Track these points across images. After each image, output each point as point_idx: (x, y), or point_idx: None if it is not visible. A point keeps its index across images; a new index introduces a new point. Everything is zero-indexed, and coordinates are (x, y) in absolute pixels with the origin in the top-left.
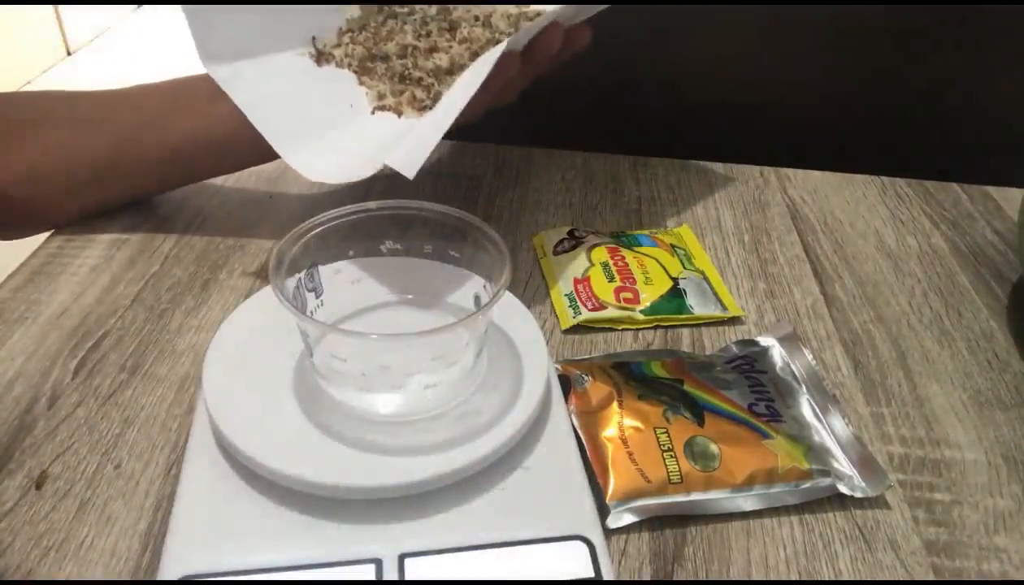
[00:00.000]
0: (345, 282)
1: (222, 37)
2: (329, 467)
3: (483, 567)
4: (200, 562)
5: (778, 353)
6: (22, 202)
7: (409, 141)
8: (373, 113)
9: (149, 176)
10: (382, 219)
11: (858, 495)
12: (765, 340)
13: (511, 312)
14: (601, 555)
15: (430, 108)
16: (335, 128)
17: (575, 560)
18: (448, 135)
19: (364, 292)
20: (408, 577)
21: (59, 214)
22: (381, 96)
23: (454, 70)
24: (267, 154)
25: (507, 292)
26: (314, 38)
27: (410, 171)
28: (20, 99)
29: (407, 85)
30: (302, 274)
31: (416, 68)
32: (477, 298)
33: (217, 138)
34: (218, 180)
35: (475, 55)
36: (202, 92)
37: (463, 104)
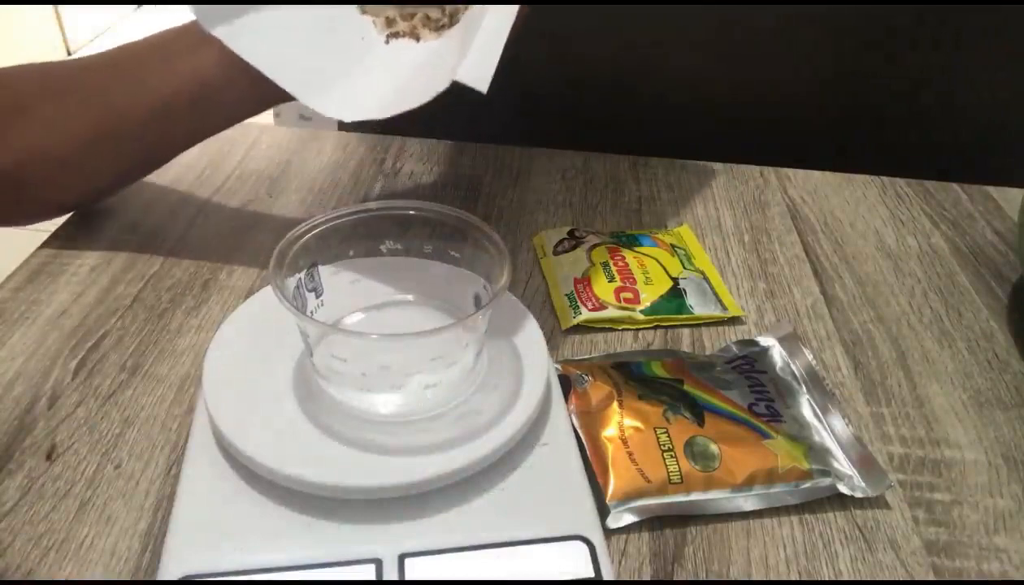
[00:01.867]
0: (345, 282)
1: None
2: (329, 467)
3: (483, 567)
4: (200, 562)
5: (778, 353)
6: (31, 181)
7: (472, 52)
8: (387, 42)
9: (147, 137)
10: (382, 219)
11: (858, 495)
12: (765, 340)
13: (511, 312)
14: (601, 555)
15: (448, 27)
16: (355, 64)
17: (575, 560)
18: (447, 135)
19: (364, 292)
20: (408, 577)
21: (71, 191)
22: (391, 22)
23: None
24: (257, 105)
25: (507, 292)
26: None
27: (483, 83)
28: (13, 74)
29: (416, 6)
30: (302, 274)
31: None
32: (477, 298)
33: (208, 90)
34: (218, 179)
35: None
36: (183, 44)
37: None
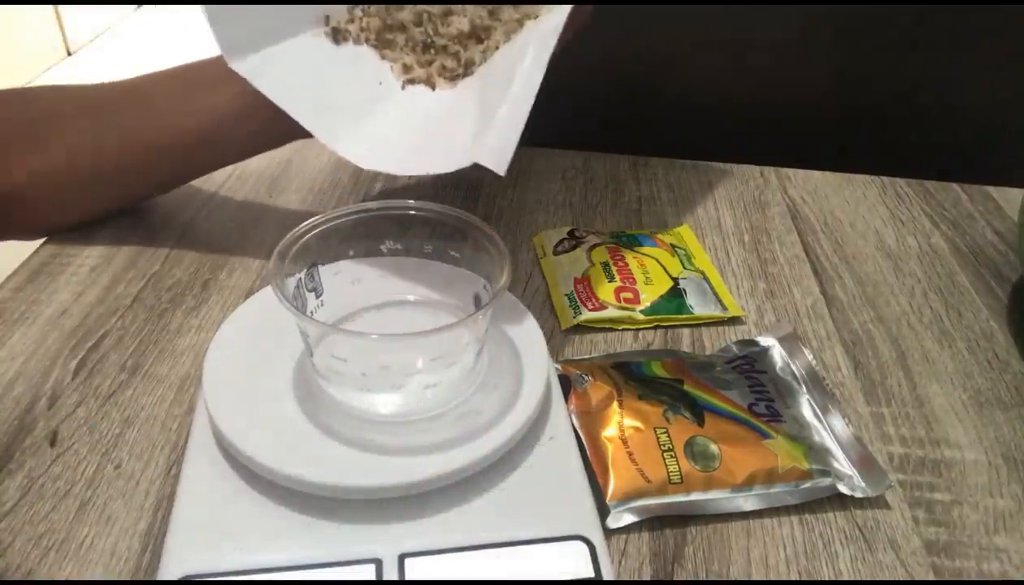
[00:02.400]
0: (345, 282)
1: (240, 29)
2: (329, 467)
3: (483, 567)
4: (200, 562)
5: (778, 353)
6: (36, 204)
7: (493, 135)
8: (403, 88)
9: (157, 169)
10: (382, 219)
11: (858, 495)
12: (765, 340)
13: (511, 312)
14: (601, 555)
15: (462, 77)
16: (373, 107)
17: (575, 560)
18: None
19: (364, 292)
20: (408, 577)
21: (72, 214)
22: (407, 68)
23: (478, 33)
24: (270, 143)
25: (507, 292)
26: (327, 17)
27: (501, 168)
28: (29, 96)
29: (433, 55)
30: (302, 274)
31: (438, 35)
32: (477, 298)
33: (223, 127)
34: (218, 180)
35: (492, 13)
36: (201, 80)
37: (537, 84)
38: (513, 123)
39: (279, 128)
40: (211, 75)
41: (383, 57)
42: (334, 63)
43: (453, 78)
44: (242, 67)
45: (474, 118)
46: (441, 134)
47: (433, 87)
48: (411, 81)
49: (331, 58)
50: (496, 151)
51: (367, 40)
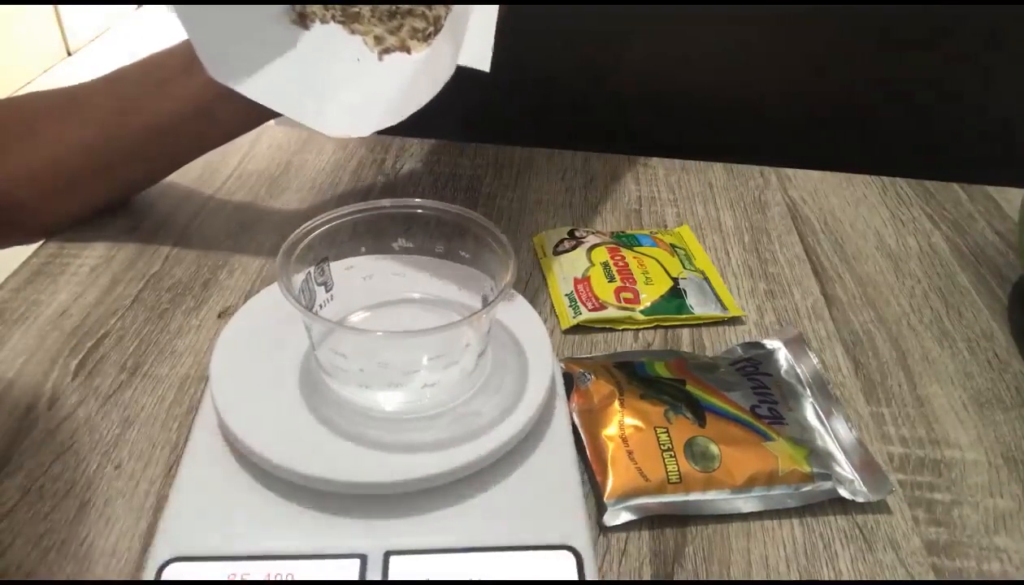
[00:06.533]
0: (356, 278)
1: (217, 36)
2: (321, 460)
3: (467, 570)
4: (189, 544)
5: (783, 356)
6: (21, 205)
7: (468, 40)
8: (381, 59)
9: (141, 159)
10: (394, 217)
11: (859, 500)
12: (771, 343)
13: (516, 311)
14: (588, 567)
15: (435, 34)
16: (354, 83)
17: (561, 569)
18: (447, 135)
19: (374, 288)
20: (392, 575)
21: (61, 214)
22: (380, 39)
23: None
24: (250, 122)
25: (517, 293)
26: (292, 6)
27: (485, 63)
28: (14, 103)
29: (401, 20)
30: (312, 268)
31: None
32: (485, 298)
33: (202, 110)
34: (218, 179)
35: None
36: (177, 66)
37: None
38: (485, 24)
39: (256, 109)
40: (187, 59)
41: (352, 32)
42: (310, 49)
43: (426, 38)
44: (228, 79)
45: (448, 53)
46: (421, 79)
47: (409, 51)
48: (386, 51)
49: (306, 44)
50: (475, 51)
51: (333, 17)
